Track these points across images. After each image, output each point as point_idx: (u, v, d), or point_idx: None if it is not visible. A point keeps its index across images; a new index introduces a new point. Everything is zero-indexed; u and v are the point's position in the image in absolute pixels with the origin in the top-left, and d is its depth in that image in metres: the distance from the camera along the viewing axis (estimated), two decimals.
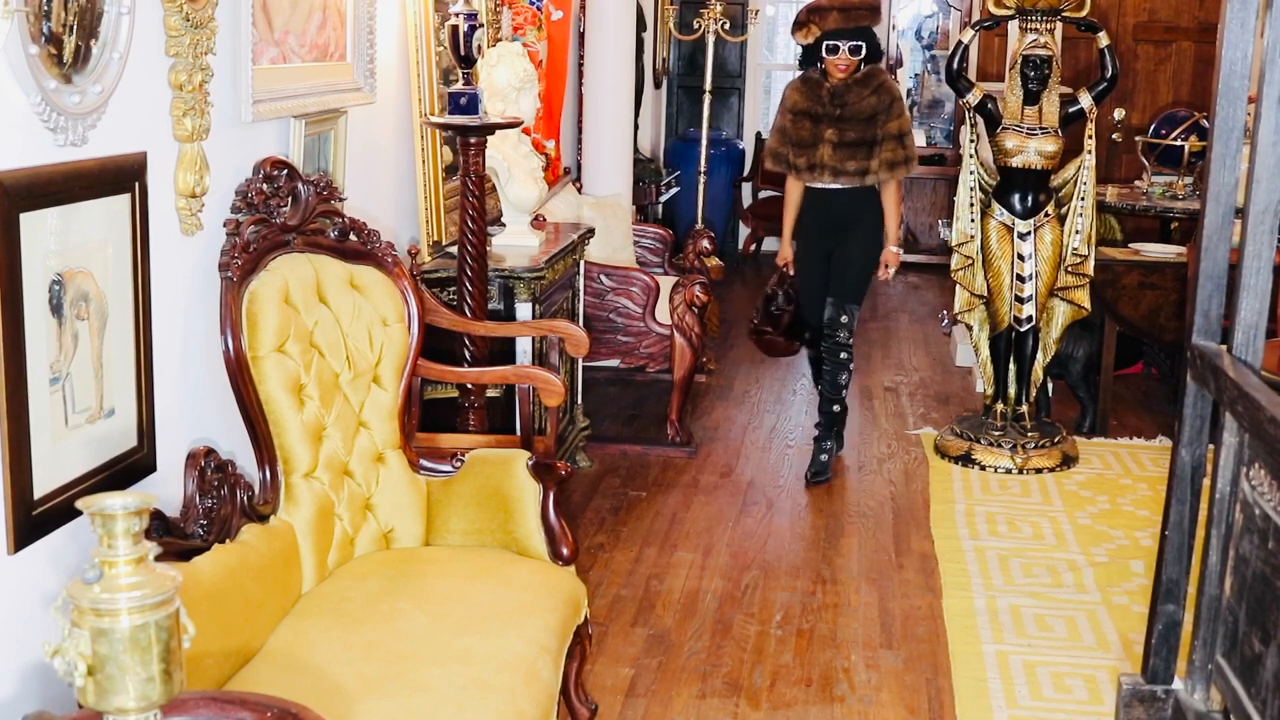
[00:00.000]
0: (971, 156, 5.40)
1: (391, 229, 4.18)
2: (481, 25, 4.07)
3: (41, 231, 2.20)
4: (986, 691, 3.54)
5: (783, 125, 5.11)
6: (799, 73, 5.24)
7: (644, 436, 5.72)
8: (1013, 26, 5.53)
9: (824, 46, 4.96)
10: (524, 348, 4.35)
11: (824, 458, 5.24)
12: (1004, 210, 5.33)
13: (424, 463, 3.15)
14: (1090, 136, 5.31)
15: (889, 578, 4.32)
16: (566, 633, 2.89)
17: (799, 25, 5.06)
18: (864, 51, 4.97)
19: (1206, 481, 2.98)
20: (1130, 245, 6.26)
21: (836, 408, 5.25)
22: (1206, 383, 2.94)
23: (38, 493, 2.22)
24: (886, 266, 5.16)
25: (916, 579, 4.30)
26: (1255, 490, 2.67)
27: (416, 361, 3.19)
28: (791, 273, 5.34)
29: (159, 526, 2.45)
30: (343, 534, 2.98)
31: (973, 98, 5.33)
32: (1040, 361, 5.51)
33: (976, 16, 6.58)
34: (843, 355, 5.15)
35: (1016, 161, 5.25)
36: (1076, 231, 5.31)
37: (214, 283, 2.80)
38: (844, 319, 5.11)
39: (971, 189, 5.40)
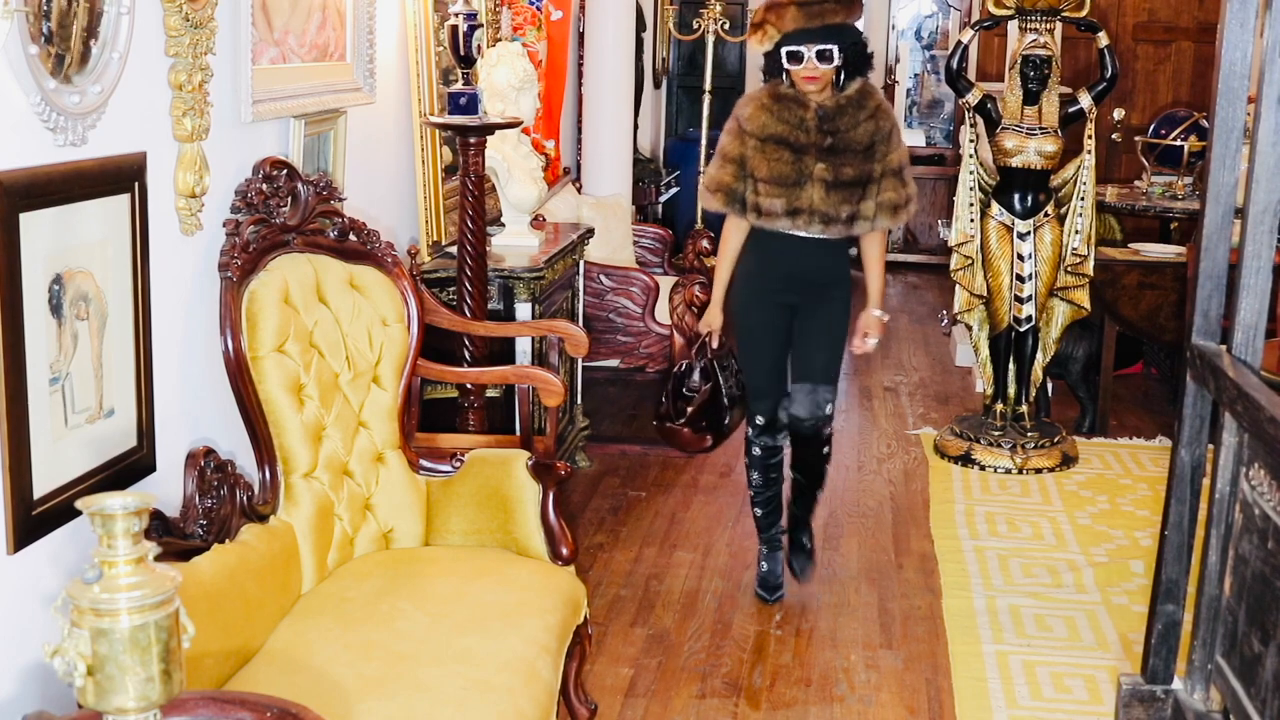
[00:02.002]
0: (971, 156, 5.40)
1: (391, 229, 4.18)
2: (481, 25, 4.08)
3: (41, 232, 2.20)
4: (986, 691, 3.54)
5: (739, 154, 3.83)
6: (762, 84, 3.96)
7: (644, 436, 5.72)
8: (1012, 26, 5.53)
9: (784, 54, 3.74)
10: (524, 348, 4.35)
11: (808, 542, 4.22)
12: (1004, 210, 5.33)
13: (424, 463, 3.15)
14: (1090, 136, 5.31)
15: (889, 578, 4.32)
16: (566, 633, 2.89)
17: (754, 27, 3.84)
18: (837, 58, 3.74)
19: (1206, 481, 2.98)
20: (1130, 245, 6.26)
21: (820, 492, 4.20)
22: (1206, 383, 2.94)
23: (37, 493, 2.22)
24: (866, 336, 3.98)
25: (916, 579, 4.30)
26: (1255, 490, 2.67)
27: (416, 361, 3.19)
28: (715, 344, 4.17)
29: (159, 526, 2.45)
30: (342, 534, 2.98)
31: (972, 98, 5.33)
32: (1040, 361, 5.51)
33: (976, 16, 6.59)
34: (825, 449, 4.07)
35: (1016, 161, 5.25)
36: (1076, 231, 5.31)
37: (214, 283, 2.80)
38: (828, 409, 3.97)
39: (971, 189, 5.40)
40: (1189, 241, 5.78)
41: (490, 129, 4.00)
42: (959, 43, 5.44)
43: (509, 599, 2.79)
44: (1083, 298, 5.38)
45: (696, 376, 4.29)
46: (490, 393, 4.22)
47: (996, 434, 5.45)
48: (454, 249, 4.19)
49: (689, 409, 4.30)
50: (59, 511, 2.27)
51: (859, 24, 4.00)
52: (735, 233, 3.95)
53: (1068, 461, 5.41)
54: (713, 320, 4.09)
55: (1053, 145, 5.22)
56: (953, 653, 3.77)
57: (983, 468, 5.36)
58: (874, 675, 3.65)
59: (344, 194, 3.37)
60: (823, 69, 3.75)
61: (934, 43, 12.65)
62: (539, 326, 4.12)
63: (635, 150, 7.51)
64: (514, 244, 4.67)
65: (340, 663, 2.48)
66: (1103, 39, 5.18)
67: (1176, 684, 3.10)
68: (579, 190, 6.46)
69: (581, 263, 5.27)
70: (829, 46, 3.73)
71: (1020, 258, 5.33)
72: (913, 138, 11.75)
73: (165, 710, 1.63)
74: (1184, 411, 3.06)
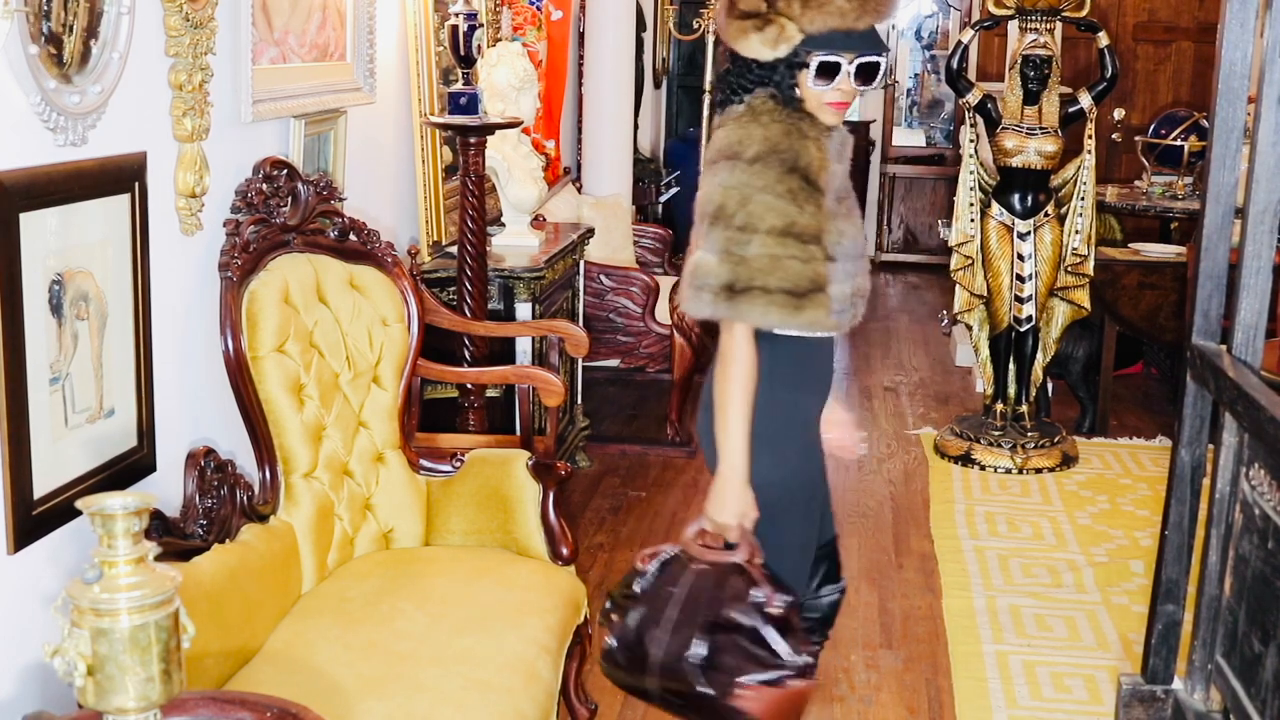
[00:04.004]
0: (971, 156, 5.40)
1: (391, 229, 4.17)
2: (481, 25, 4.08)
3: (41, 231, 2.20)
4: (986, 691, 3.54)
5: (817, 227, 2.31)
6: (769, 96, 2.37)
7: (644, 436, 5.72)
8: (1012, 26, 5.53)
9: (815, 65, 2.32)
10: (524, 348, 4.35)
11: None
12: (1004, 210, 5.33)
13: (424, 463, 3.15)
14: (1090, 136, 5.32)
15: (889, 578, 4.32)
16: (566, 633, 2.89)
17: (750, 19, 2.33)
18: (879, 78, 2.39)
19: (1206, 481, 2.98)
20: (1130, 245, 6.26)
21: None
22: (1206, 383, 2.94)
23: (38, 493, 2.22)
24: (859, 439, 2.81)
25: (916, 579, 4.30)
26: (1255, 490, 2.67)
27: (416, 361, 3.19)
28: (747, 551, 2.38)
29: (159, 526, 2.45)
30: (342, 534, 2.98)
31: (972, 98, 5.33)
32: (1040, 361, 5.51)
33: (976, 16, 6.59)
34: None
35: (1016, 161, 5.25)
36: (1076, 231, 5.31)
37: (214, 283, 2.80)
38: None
39: (971, 189, 5.40)
40: (1189, 241, 5.78)
41: (490, 129, 4.00)
42: (959, 43, 5.44)
43: (509, 599, 2.79)
44: (1083, 298, 5.38)
45: (762, 592, 2.33)
46: (490, 393, 4.22)
47: (996, 434, 5.45)
48: (454, 249, 4.19)
49: (801, 648, 2.33)
50: (59, 511, 2.27)
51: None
52: (752, 364, 2.35)
53: (1068, 461, 5.41)
54: (745, 507, 2.39)
55: (1053, 145, 5.22)
56: (953, 653, 3.77)
57: (983, 468, 5.36)
58: (874, 675, 3.65)
59: (344, 194, 3.37)
60: (855, 90, 2.38)
61: (934, 43, 12.64)
62: (539, 326, 4.12)
63: (635, 150, 7.51)
64: (514, 244, 4.67)
65: (340, 662, 2.48)
66: (1103, 39, 5.18)
67: (1176, 684, 3.10)
68: (579, 190, 6.45)
69: (581, 263, 5.27)
70: (876, 59, 2.37)
71: (1020, 258, 5.33)
72: (913, 137, 11.76)
73: (165, 710, 1.63)
74: (1184, 411, 3.06)
